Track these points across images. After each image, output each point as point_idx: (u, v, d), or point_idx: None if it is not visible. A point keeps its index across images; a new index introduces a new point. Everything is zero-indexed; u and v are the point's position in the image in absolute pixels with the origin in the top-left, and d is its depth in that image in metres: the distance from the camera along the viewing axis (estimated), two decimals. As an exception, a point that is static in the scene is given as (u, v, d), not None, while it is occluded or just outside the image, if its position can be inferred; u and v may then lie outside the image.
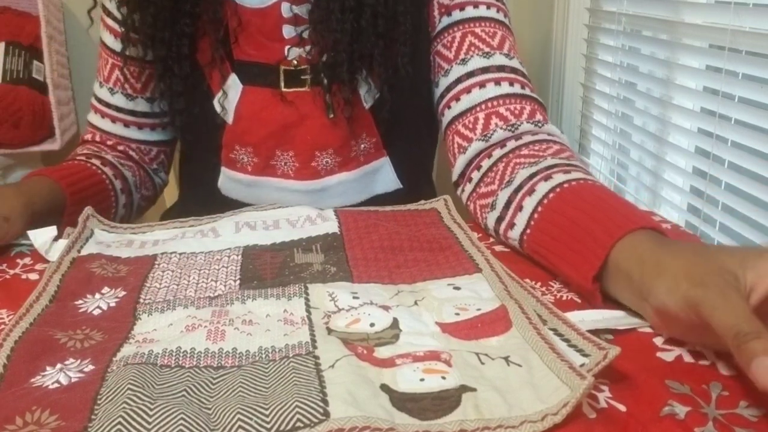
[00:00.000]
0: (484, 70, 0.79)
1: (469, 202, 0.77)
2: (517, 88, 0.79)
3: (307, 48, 0.80)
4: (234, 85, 0.82)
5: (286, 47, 0.80)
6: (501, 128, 0.75)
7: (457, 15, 0.82)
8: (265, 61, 0.81)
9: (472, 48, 0.80)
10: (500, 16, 0.83)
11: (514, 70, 0.80)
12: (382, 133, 0.84)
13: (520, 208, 0.65)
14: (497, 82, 0.78)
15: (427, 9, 0.82)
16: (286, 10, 0.79)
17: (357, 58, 0.78)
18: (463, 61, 0.80)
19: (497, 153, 0.74)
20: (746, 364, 0.39)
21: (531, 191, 0.64)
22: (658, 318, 0.48)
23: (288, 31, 0.80)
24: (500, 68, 0.79)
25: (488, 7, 0.82)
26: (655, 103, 1.12)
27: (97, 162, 0.86)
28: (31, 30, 1.43)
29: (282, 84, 0.81)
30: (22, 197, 0.71)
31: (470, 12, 0.82)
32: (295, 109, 0.81)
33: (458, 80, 0.81)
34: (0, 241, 0.67)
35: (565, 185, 0.62)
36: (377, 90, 0.81)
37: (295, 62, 0.81)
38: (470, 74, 0.80)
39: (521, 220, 0.64)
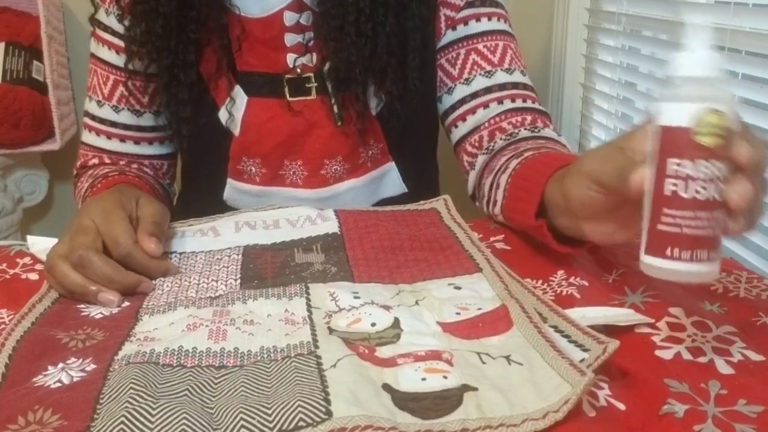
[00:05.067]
0: (487, 90, 0.82)
1: (487, 210, 0.78)
2: (518, 103, 0.82)
3: (311, 56, 0.79)
4: (239, 97, 0.81)
5: (289, 56, 0.80)
6: (501, 139, 0.79)
7: (461, 30, 0.83)
8: (268, 71, 0.80)
9: (475, 67, 0.83)
10: (501, 25, 0.84)
11: (515, 85, 0.83)
12: (387, 138, 0.84)
13: (497, 185, 0.71)
14: (500, 101, 0.82)
15: (434, 21, 0.83)
16: (288, 18, 0.79)
17: (367, 71, 0.78)
18: (467, 81, 0.83)
19: (491, 155, 0.79)
20: (628, 187, 0.44)
21: (505, 169, 0.70)
22: (582, 216, 0.53)
23: (290, 40, 0.79)
24: (502, 87, 0.82)
25: (489, 18, 0.83)
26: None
27: (130, 175, 0.84)
28: (31, 30, 1.43)
29: (287, 93, 0.81)
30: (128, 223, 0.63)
31: (473, 27, 0.83)
32: (303, 118, 0.81)
33: (462, 101, 0.84)
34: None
35: (530, 156, 0.68)
36: (384, 96, 0.81)
37: (299, 71, 0.80)
38: (474, 95, 0.83)
39: (499, 196, 0.70)
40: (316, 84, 0.80)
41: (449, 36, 0.83)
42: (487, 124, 0.81)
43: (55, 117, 1.40)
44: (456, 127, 0.85)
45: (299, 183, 0.84)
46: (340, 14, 0.76)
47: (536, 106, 0.83)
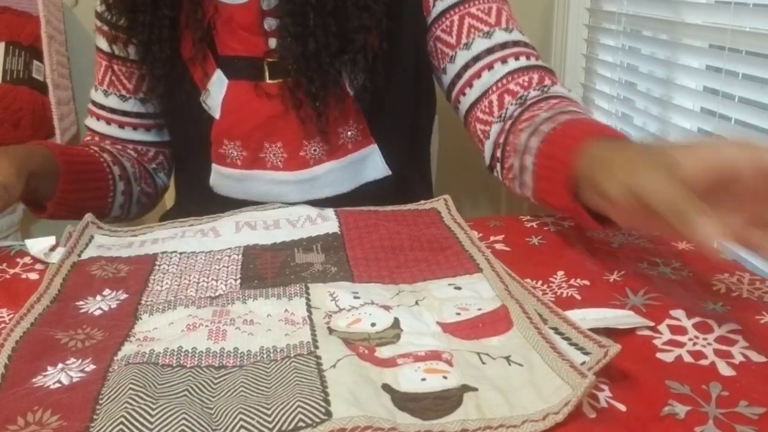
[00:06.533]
0: (489, 51, 0.81)
1: (505, 181, 0.79)
2: (522, 61, 0.81)
3: (288, 40, 0.80)
4: (219, 80, 0.83)
5: (269, 40, 0.81)
6: (512, 104, 0.79)
7: None
8: (249, 55, 0.82)
9: (473, 30, 0.82)
10: None
11: (516, 43, 0.82)
12: (368, 120, 0.85)
13: (524, 168, 0.69)
14: (503, 60, 0.81)
15: None
16: (265, 3, 0.80)
17: (313, 53, 0.78)
18: (467, 46, 0.82)
19: (508, 125, 0.78)
20: (690, 233, 0.42)
21: (528, 149, 0.68)
22: (615, 211, 0.52)
23: (269, 24, 0.81)
24: (503, 45, 0.82)
25: None
26: (655, 103, 1.13)
27: (95, 148, 0.88)
28: (31, 30, 1.43)
29: (267, 76, 0.82)
30: (15, 161, 0.70)
31: None
32: (281, 100, 0.82)
33: (466, 66, 0.83)
34: (2, 209, 0.67)
35: (551, 132, 0.66)
36: (360, 77, 0.81)
37: (278, 54, 0.81)
38: (476, 58, 0.82)
39: (529, 179, 0.68)
40: (294, 66, 0.81)
41: (438, 6, 0.84)
42: (494, 88, 0.81)
43: (55, 117, 1.40)
44: (464, 95, 0.84)
45: (280, 165, 0.84)
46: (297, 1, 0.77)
47: (540, 63, 0.82)
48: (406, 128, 0.92)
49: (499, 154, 0.79)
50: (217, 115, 0.83)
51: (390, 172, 0.88)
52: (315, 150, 0.84)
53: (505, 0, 0.86)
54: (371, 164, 0.87)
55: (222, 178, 0.87)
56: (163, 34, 0.81)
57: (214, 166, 0.86)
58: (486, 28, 0.82)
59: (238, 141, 0.84)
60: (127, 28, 0.83)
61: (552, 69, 0.83)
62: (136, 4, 0.80)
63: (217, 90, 0.83)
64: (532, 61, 0.82)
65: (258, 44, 0.81)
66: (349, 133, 0.85)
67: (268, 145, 0.84)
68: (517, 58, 0.81)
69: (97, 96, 0.92)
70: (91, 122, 0.94)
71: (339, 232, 0.69)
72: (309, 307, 0.54)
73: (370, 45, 0.80)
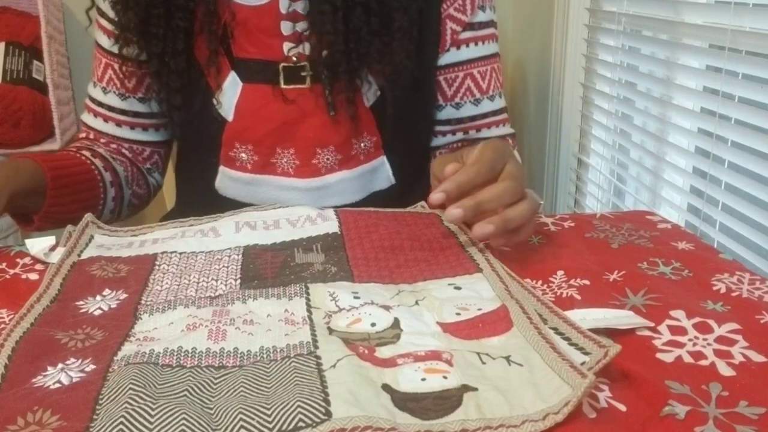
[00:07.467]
0: (472, 119, 0.92)
1: None
2: (493, 131, 0.93)
3: (306, 45, 0.80)
4: (234, 83, 0.82)
5: (285, 44, 0.80)
6: None
7: (463, 53, 0.88)
8: (264, 58, 0.81)
9: (467, 94, 0.90)
10: (493, 48, 0.90)
11: (494, 113, 0.93)
12: (382, 133, 0.85)
13: None
14: (478, 129, 0.92)
15: (439, 24, 0.85)
16: (284, 6, 0.79)
17: (355, 56, 0.78)
18: (457, 105, 0.90)
19: None
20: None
21: None
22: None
23: (286, 28, 0.80)
24: (484, 115, 0.92)
25: (484, 42, 0.88)
26: (655, 103, 1.12)
27: (87, 153, 0.86)
28: (31, 30, 1.44)
29: (282, 81, 0.81)
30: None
31: (473, 51, 0.88)
32: (296, 106, 0.82)
33: (448, 122, 0.92)
34: None
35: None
36: (378, 88, 0.81)
37: (295, 59, 0.81)
38: (459, 121, 0.92)
39: None
40: (311, 73, 0.80)
41: (453, 55, 0.87)
42: (460, 144, 0.91)
43: (55, 117, 1.40)
44: (436, 137, 0.94)
45: (291, 172, 0.84)
46: (325, 4, 0.77)
47: (505, 130, 0.93)
48: (417, 141, 0.93)
49: None
50: (230, 117, 0.83)
51: (394, 181, 0.89)
52: (328, 159, 0.84)
53: (499, 54, 0.92)
54: (381, 175, 0.88)
55: (229, 181, 0.86)
56: (177, 46, 0.80)
57: (222, 168, 0.86)
58: (478, 95, 0.90)
59: (250, 145, 0.83)
60: (138, 41, 0.81)
61: (514, 132, 0.96)
62: (149, 17, 0.79)
63: (230, 92, 0.82)
64: (501, 129, 0.93)
65: (274, 48, 0.81)
66: (362, 144, 0.85)
67: (280, 151, 0.83)
68: (489, 128, 0.92)
69: (96, 92, 0.91)
70: (89, 118, 0.92)
71: (339, 232, 0.69)
72: (309, 307, 0.54)
73: (389, 56, 0.80)
